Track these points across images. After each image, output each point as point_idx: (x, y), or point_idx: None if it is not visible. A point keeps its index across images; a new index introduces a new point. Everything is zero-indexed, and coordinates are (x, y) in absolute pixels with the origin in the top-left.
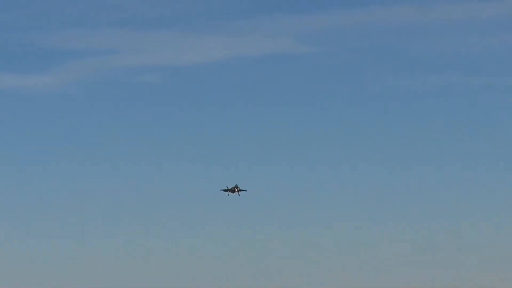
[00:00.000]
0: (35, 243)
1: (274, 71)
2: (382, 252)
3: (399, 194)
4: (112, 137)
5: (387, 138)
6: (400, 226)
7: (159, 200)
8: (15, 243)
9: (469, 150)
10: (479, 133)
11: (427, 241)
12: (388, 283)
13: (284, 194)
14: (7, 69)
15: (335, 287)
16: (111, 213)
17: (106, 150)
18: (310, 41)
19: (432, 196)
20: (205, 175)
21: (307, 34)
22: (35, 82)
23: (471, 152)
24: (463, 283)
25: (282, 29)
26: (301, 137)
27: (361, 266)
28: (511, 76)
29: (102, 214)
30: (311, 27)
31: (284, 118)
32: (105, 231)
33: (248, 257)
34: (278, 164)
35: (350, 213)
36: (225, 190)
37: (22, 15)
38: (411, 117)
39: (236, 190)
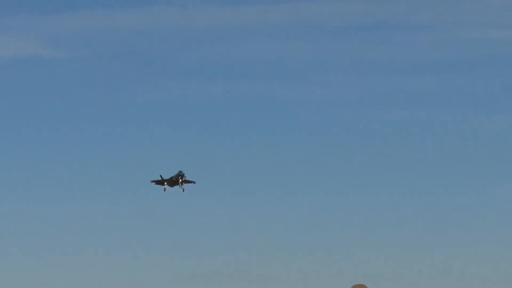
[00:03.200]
0: None
1: (19, 77)
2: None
3: None
4: None
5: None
6: None
7: None
8: None
9: None
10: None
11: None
12: None
13: None
14: None
15: None
16: None
17: None
18: (59, 44)
19: None
20: None
21: (55, 37)
22: None
23: None
24: None
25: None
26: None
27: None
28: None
29: None
30: (60, 29)
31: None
32: None
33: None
34: None
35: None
36: (158, 182)
37: None
38: (181, 126)
39: (180, 181)
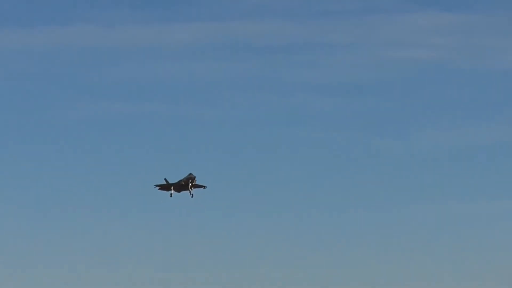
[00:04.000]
0: None
1: None
2: None
3: None
4: None
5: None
6: None
7: None
8: None
9: None
10: None
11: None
12: None
13: None
14: None
15: None
16: None
17: None
18: None
19: None
20: None
21: None
22: None
23: None
24: None
25: None
26: None
27: None
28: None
29: None
30: None
31: None
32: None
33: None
34: None
35: None
36: (163, 187)
37: None
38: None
39: (190, 185)
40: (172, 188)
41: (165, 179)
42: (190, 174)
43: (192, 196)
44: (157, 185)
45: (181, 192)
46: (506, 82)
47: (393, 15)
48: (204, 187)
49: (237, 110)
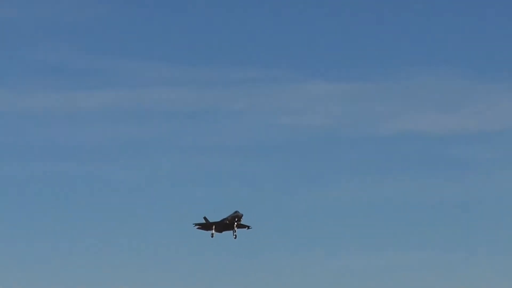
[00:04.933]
0: None
1: None
2: None
3: None
4: None
5: None
6: None
7: None
8: None
9: None
10: None
11: None
12: None
13: None
14: None
15: None
16: None
17: None
18: None
19: None
20: None
21: None
22: None
23: None
24: None
25: None
26: None
27: None
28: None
29: None
30: None
31: None
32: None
33: None
34: None
35: None
36: (201, 226)
37: None
38: None
39: (234, 224)
40: (213, 227)
41: (205, 218)
42: (237, 211)
43: (235, 237)
44: (196, 224)
45: (223, 232)
46: (393, 146)
47: (284, 84)
48: (249, 227)
49: (144, 171)
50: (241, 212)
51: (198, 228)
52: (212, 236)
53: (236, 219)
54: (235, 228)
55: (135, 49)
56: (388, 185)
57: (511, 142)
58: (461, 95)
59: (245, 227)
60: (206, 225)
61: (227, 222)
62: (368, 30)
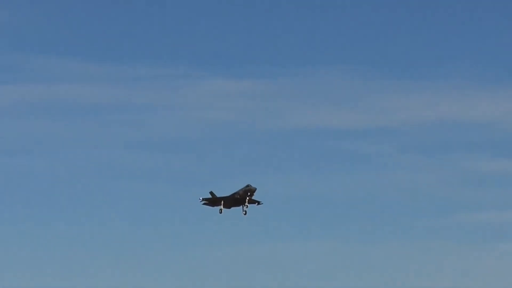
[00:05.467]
0: None
1: None
2: None
3: None
4: None
5: None
6: None
7: None
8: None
9: None
10: None
11: None
12: None
13: None
14: None
15: None
16: None
17: None
18: None
19: None
20: None
21: None
22: None
23: None
24: None
25: None
26: None
27: None
28: None
29: None
30: None
31: None
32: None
33: None
34: None
35: None
36: (208, 202)
37: None
38: None
39: (246, 199)
40: (221, 203)
41: (211, 192)
42: (249, 185)
43: (245, 214)
44: (203, 199)
45: (232, 208)
46: (294, 139)
47: (192, 80)
48: (259, 202)
49: (65, 165)
50: (253, 186)
51: (204, 203)
52: (220, 212)
53: (249, 193)
54: (247, 204)
55: (45, 45)
56: (283, 180)
57: (404, 136)
58: (356, 91)
59: (255, 203)
60: (213, 200)
61: (238, 196)
62: (268, 29)
